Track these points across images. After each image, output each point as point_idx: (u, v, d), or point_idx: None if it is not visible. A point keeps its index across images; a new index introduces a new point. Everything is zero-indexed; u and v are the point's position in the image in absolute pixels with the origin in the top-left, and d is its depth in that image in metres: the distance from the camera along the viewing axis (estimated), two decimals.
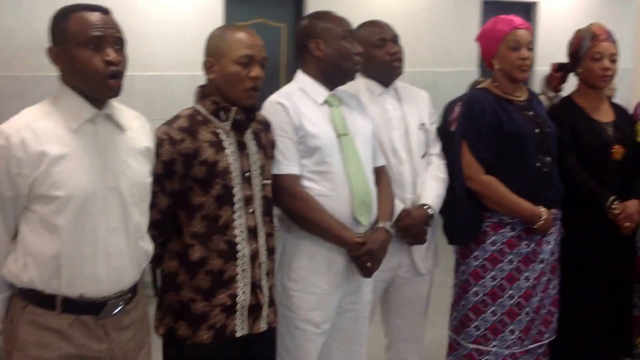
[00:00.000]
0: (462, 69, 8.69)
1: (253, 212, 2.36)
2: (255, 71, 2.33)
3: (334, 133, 2.62)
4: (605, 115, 3.26)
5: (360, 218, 2.60)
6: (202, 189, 2.29)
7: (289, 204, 2.57)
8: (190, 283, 2.31)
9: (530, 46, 3.00)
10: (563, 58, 3.34)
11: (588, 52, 3.18)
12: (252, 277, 2.36)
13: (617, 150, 3.15)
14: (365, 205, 2.62)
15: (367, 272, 2.62)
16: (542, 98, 3.53)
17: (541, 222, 2.97)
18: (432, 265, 3.08)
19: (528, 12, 9.72)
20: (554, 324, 3.15)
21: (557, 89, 3.47)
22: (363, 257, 2.57)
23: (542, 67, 9.55)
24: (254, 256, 2.36)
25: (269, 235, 2.44)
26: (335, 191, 2.58)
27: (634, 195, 3.15)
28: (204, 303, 2.31)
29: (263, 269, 2.40)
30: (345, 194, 2.58)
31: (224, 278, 2.31)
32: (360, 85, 2.93)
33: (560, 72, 3.37)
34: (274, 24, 7.17)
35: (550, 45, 8.59)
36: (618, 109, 3.33)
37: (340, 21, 2.68)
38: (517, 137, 2.96)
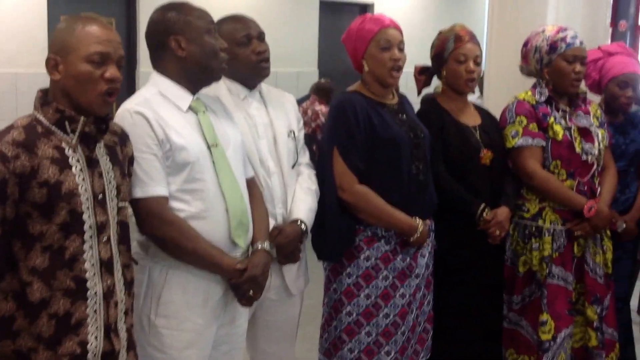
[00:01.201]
0: (302, 70, 8.58)
1: (108, 241, 1.98)
2: (111, 71, 1.94)
3: (204, 144, 2.28)
4: (471, 119, 3.14)
5: (238, 240, 2.30)
6: (43, 215, 1.87)
7: (158, 231, 2.21)
8: (30, 329, 1.89)
9: (401, 46, 2.82)
10: None
11: (452, 54, 3.05)
12: (106, 318, 1.97)
13: (486, 155, 3.04)
14: (243, 225, 2.32)
15: (248, 302, 2.32)
16: None
17: (417, 235, 2.79)
18: (303, 285, 2.82)
19: (364, 12, 9.76)
20: (429, 342, 3.00)
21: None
22: (244, 285, 2.27)
23: None
24: (109, 294, 1.98)
25: (126, 267, 2.07)
26: (209, 212, 2.25)
27: (503, 202, 3.06)
28: (47, 353, 1.90)
29: (120, 308, 2.02)
30: (220, 215, 2.27)
31: (71, 322, 1.91)
32: (221, 88, 2.60)
33: (423, 74, 3.21)
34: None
35: None
36: (483, 112, 3.23)
37: (201, 13, 2.34)
38: (392, 143, 2.76)
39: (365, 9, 9.80)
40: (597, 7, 4.25)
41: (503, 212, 3.02)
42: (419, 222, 2.80)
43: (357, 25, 2.87)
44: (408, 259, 2.84)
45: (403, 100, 2.97)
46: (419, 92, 3.23)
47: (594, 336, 3.23)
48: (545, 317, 3.14)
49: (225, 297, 2.34)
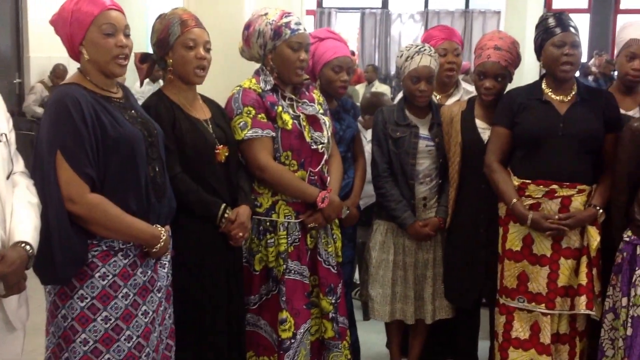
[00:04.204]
0: None
1: None
2: None
3: None
4: (201, 112, 2.89)
5: None
6: None
7: None
8: None
9: (127, 32, 2.47)
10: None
11: (179, 39, 2.77)
12: None
13: (222, 151, 2.83)
14: None
15: None
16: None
17: (161, 244, 2.49)
18: (25, 316, 2.36)
19: None
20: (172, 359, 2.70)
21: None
22: None
23: (36, 54, 8.86)
24: None
25: None
26: None
27: (242, 201, 2.89)
28: None
29: None
30: None
31: None
32: None
33: (146, 63, 2.88)
34: None
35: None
36: (211, 104, 2.99)
37: None
38: (126, 143, 2.41)
39: None
40: None
41: (244, 211, 2.85)
42: (161, 230, 2.50)
43: (71, 6, 2.44)
44: (149, 272, 2.52)
45: (127, 93, 2.62)
46: (142, 83, 2.90)
47: (330, 327, 3.20)
48: (284, 314, 3.04)
49: None
